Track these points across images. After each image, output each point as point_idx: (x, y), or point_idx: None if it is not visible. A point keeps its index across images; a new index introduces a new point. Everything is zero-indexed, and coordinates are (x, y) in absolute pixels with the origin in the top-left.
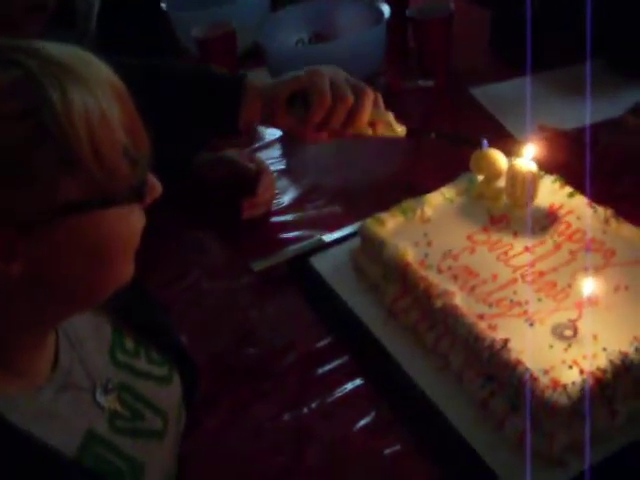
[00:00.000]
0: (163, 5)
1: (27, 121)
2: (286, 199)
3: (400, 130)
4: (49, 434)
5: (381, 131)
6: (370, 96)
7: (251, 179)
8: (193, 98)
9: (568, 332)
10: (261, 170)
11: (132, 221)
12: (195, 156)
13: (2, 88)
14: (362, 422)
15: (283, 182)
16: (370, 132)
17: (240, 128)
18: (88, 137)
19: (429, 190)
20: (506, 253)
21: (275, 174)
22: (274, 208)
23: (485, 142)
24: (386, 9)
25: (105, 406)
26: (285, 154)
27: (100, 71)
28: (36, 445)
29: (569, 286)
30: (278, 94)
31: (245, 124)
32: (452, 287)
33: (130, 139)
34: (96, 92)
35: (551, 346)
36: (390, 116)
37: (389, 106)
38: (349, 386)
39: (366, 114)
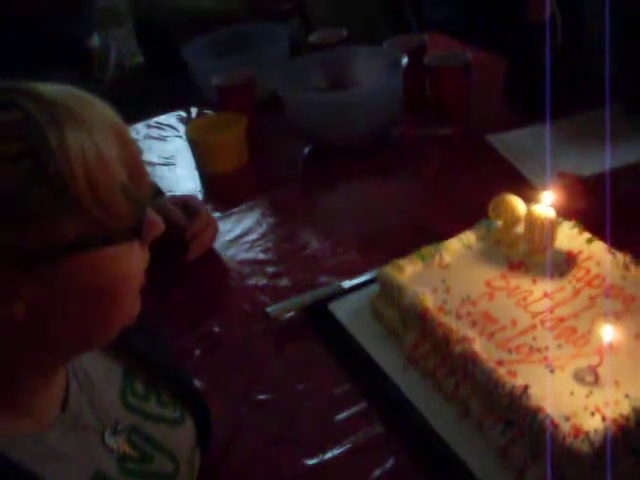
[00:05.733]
0: (183, 53)
1: (24, 162)
2: (306, 247)
3: None
4: (56, 475)
5: None
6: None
7: (181, 227)
8: None
9: (589, 378)
10: (196, 212)
11: (133, 259)
12: None
13: (0, 130)
14: (381, 469)
15: (303, 230)
16: None
17: None
18: (85, 177)
19: (448, 236)
20: (525, 299)
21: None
22: (296, 255)
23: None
24: (404, 57)
25: (114, 448)
26: (304, 204)
27: (98, 111)
28: None
29: (589, 332)
30: None
31: None
32: (471, 333)
33: (129, 177)
34: (93, 132)
35: (572, 392)
36: None
37: (406, 154)
38: (368, 432)
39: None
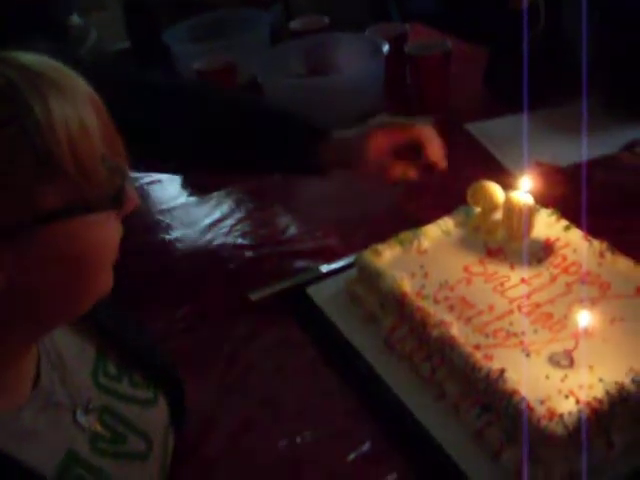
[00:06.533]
0: (165, 38)
1: (9, 129)
2: (285, 231)
3: None
4: (28, 454)
5: None
6: None
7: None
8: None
9: (564, 362)
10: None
11: (110, 230)
12: None
13: None
14: (357, 452)
15: (282, 215)
16: None
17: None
18: (68, 145)
19: (426, 222)
20: (502, 284)
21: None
22: (274, 240)
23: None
24: (385, 44)
25: (85, 427)
26: (282, 188)
27: (78, 83)
28: (14, 465)
29: (565, 317)
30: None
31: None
32: (448, 317)
33: (107, 148)
34: (75, 101)
35: (547, 376)
36: None
37: None
38: (344, 416)
39: None
